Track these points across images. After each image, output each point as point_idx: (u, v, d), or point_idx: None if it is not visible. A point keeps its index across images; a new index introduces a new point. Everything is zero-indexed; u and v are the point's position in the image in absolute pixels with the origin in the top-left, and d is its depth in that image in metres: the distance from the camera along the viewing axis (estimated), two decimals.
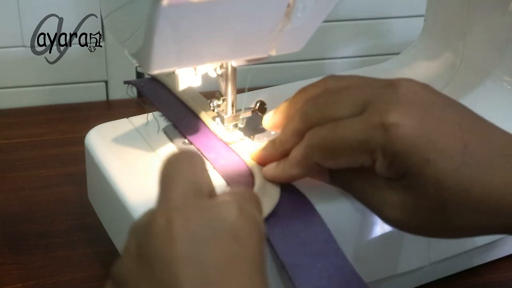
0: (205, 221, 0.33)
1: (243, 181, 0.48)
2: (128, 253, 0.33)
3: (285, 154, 0.47)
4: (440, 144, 0.40)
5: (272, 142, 0.48)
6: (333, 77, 0.47)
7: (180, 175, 0.36)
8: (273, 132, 0.55)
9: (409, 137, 0.40)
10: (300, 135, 0.45)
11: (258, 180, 0.47)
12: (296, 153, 0.45)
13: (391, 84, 0.42)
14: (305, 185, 0.48)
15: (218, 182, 0.49)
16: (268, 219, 0.44)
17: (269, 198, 0.46)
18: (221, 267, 0.32)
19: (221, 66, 0.51)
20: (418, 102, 0.41)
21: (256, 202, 0.37)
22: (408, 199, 0.41)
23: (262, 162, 0.49)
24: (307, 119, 0.45)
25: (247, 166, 0.50)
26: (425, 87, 0.43)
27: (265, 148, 0.49)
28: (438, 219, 0.40)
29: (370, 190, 0.43)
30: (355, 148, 0.41)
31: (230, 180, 0.49)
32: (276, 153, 0.47)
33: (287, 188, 0.47)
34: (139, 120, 0.57)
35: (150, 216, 0.33)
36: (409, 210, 0.41)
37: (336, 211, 0.47)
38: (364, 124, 0.41)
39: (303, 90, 0.48)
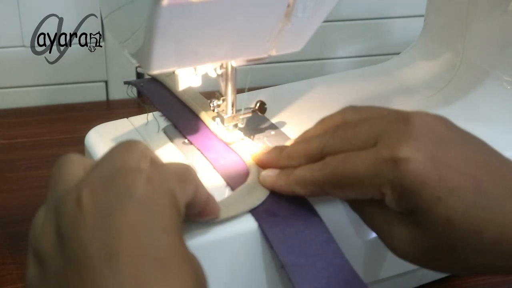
0: (112, 191, 0.34)
1: (243, 181, 0.48)
2: (47, 226, 0.35)
3: (286, 166, 0.46)
4: (451, 182, 0.38)
5: (279, 151, 0.47)
6: (351, 108, 0.46)
7: (110, 156, 0.36)
8: (273, 132, 0.56)
9: (419, 173, 0.38)
10: (310, 159, 0.45)
11: (250, 177, 0.48)
12: (306, 174, 0.44)
13: (405, 118, 0.41)
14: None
15: (218, 182, 0.49)
16: (268, 219, 0.45)
17: (256, 194, 0.46)
18: (126, 234, 0.32)
19: (221, 66, 0.51)
20: (431, 136, 0.40)
21: (177, 173, 0.37)
22: (418, 236, 0.40)
23: (262, 166, 0.48)
24: (323, 149, 0.44)
25: (246, 166, 0.50)
26: (440, 120, 0.42)
27: (269, 154, 0.48)
28: (448, 258, 0.40)
29: (381, 222, 0.42)
30: (364, 181, 0.41)
31: (230, 180, 0.49)
32: (279, 162, 0.47)
33: None
34: (139, 120, 0.57)
35: (67, 192, 0.34)
36: (419, 246, 0.40)
37: (336, 211, 0.47)
38: (374, 157, 0.40)
39: (322, 121, 0.47)
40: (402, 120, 0.41)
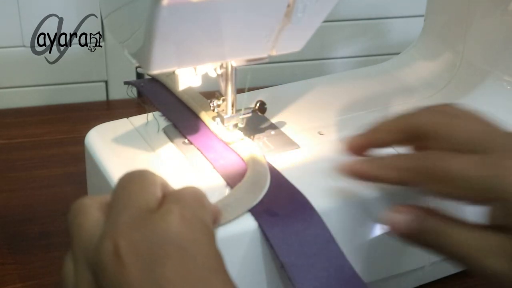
0: (151, 240, 0.33)
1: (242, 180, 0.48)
2: (82, 281, 0.34)
3: (374, 145, 0.45)
4: None
5: (366, 131, 0.46)
6: (452, 105, 0.45)
7: (129, 197, 0.36)
8: (273, 132, 0.56)
9: None
10: (403, 133, 0.44)
11: (248, 174, 0.48)
12: (399, 163, 0.43)
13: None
14: (305, 185, 0.48)
15: (218, 182, 0.49)
16: (268, 219, 0.45)
17: (255, 193, 0.46)
18: (177, 282, 0.32)
19: (221, 66, 0.51)
20: None
21: (199, 200, 0.37)
22: None
23: (353, 147, 0.47)
24: (421, 122, 0.43)
25: (246, 166, 0.50)
26: None
27: (356, 137, 0.46)
28: None
29: (469, 235, 0.40)
30: (470, 181, 0.39)
31: (230, 180, 0.49)
32: (367, 142, 0.46)
33: (286, 188, 0.47)
34: (139, 120, 0.57)
35: (99, 242, 0.34)
36: None
37: (336, 211, 0.47)
38: (487, 162, 0.39)
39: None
40: (505, 132, 0.41)
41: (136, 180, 0.37)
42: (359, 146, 0.47)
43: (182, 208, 0.35)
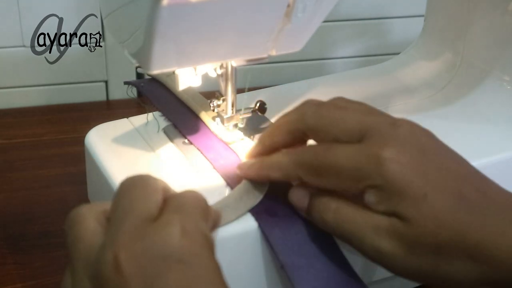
0: (152, 252, 0.33)
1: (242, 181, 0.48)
2: None
3: (271, 151, 0.46)
4: (435, 182, 0.39)
5: (262, 137, 0.48)
6: (342, 98, 0.46)
7: (130, 204, 0.36)
8: None
9: (405, 172, 0.39)
10: (291, 134, 0.45)
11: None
12: (281, 160, 0.44)
13: (395, 123, 0.42)
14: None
15: (218, 182, 0.49)
16: (268, 219, 0.45)
17: (254, 194, 0.46)
18: None
19: (221, 66, 0.51)
20: (416, 144, 0.41)
21: (201, 211, 0.37)
22: (405, 233, 0.39)
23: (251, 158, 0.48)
24: (305, 120, 0.44)
25: None
26: (427, 133, 0.43)
27: (254, 146, 0.48)
28: (433, 260, 0.39)
29: (360, 217, 0.41)
30: (344, 173, 0.41)
31: (230, 180, 0.49)
32: (263, 149, 0.47)
33: (286, 188, 0.47)
34: (139, 120, 0.57)
35: (100, 253, 0.34)
36: (405, 244, 0.40)
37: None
38: (358, 152, 0.41)
39: (305, 102, 0.47)
40: (392, 125, 0.42)
41: (137, 186, 0.37)
42: (252, 155, 0.48)
43: (183, 219, 0.35)
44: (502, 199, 0.41)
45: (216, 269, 0.35)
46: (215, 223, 0.41)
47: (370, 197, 0.40)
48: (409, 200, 0.39)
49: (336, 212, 0.42)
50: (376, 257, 0.41)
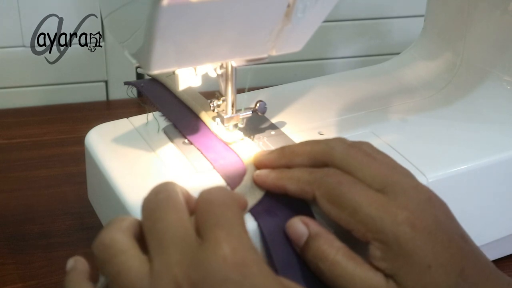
0: (211, 280, 0.34)
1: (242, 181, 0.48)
2: None
3: (286, 164, 0.46)
4: (442, 258, 0.40)
5: (282, 150, 0.47)
6: (370, 145, 0.46)
7: (167, 230, 0.36)
8: (273, 132, 0.56)
9: (417, 239, 0.40)
10: (313, 161, 0.45)
11: (247, 176, 0.48)
12: (303, 175, 0.44)
13: (417, 187, 0.43)
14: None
15: (218, 183, 0.49)
16: (267, 220, 0.44)
17: (255, 194, 0.46)
18: None
19: (221, 66, 0.51)
20: (433, 215, 0.41)
21: (237, 215, 0.37)
22: None
23: (264, 166, 0.48)
24: (333, 155, 0.44)
25: (245, 166, 0.50)
26: (443, 204, 0.43)
27: (271, 153, 0.48)
28: None
29: (358, 275, 0.40)
30: (360, 215, 0.41)
31: (230, 180, 0.49)
32: (281, 159, 0.47)
33: None
34: (139, 120, 0.57)
35: (156, 285, 0.34)
36: None
37: None
38: (381, 203, 0.41)
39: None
40: (413, 187, 0.42)
41: (165, 206, 0.37)
42: (266, 163, 0.48)
43: (228, 236, 0.35)
44: (498, 282, 0.41)
45: (270, 275, 0.35)
46: (244, 208, 0.43)
47: (375, 251, 0.40)
48: (412, 267, 0.39)
49: (334, 263, 0.41)
50: None
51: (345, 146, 0.45)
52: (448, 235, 0.41)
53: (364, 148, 0.45)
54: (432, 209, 0.42)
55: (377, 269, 0.40)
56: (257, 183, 0.47)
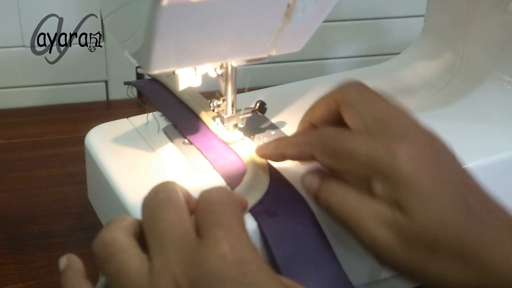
0: (210, 279, 0.34)
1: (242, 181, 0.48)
2: None
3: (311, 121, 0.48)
4: (444, 185, 0.40)
5: (279, 139, 0.49)
6: (379, 92, 0.47)
7: (167, 229, 0.36)
8: (273, 132, 0.56)
9: (416, 168, 0.40)
10: (328, 106, 0.47)
11: (247, 176, 0.48)
12: (299, 138, 0.46)
13: (417, 126, 0.43)
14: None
15: (218, 183, 0.49)
16: (267, 220, 0.45)
17: (255, 193, 0.46)
18: None
19: (221, 66, 0.51)
20: (433, 148, 0.42)
21: (236, 215, 0.37)
22: (406, 227, 0.40)
23: (264, 156, 0.50)
24: (344, 93, 0.46)
25: (245, 166, 0.50)
26: (445, 144, 0.44)
27: (270, 142, 0.49)
28: (425, 259, 0.40)
29: (363, 204, 0.42)
30: (358, 158, 0.42)
31: (230, 180, 0.49)
32: (278, 147, 0.48)
33: (286, 189, 0.47)
34: (139, 120, 0.57)
35: (156, 284, 0.34)
36: (402, 237, 0.40)
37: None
38: (377, 141, 0.42)
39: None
40: (413, 122, 0.43)
41: (165, 205, 0.37)
42: (266, 152, 0.49)
43: (227, 235, 0.35)
44: (502, 215, 0.41)
45: (269, 273, 0.35)
46: (244, 208, 0.43)
47: (377, 185, 0.41)
48: (415, 194, 0.40)
49: (342, 196, 0.43)
50: (370, 245, 0.42)
51: (358, 84, 0.47)
52: (450, 166, 0.42)
53: (376, 91, 0.46)
54: (433, 143, 0.42)
55: (381, 202, 0.41)
56: (258, 155, 0.49)
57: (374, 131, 0.43)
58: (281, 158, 0.48)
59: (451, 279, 0.40)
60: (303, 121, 0.49)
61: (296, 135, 0.48)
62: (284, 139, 0.48)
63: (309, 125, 0.48)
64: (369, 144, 0.42)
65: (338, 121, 0.46)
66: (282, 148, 0.47)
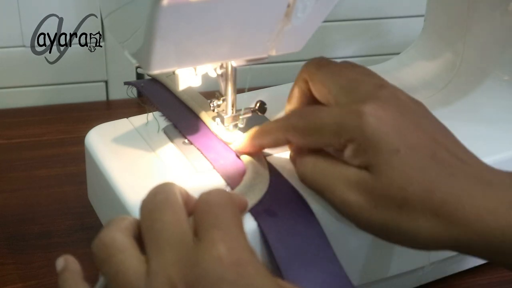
0: (207, 280, 0.34)
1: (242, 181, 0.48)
2: None
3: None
4: (410, 140, 0.41)
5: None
6: (348, 61, 0.49)
7: (164, 231, 0.36)
8: None
9: (382, 126, 0.41)
10: (300, 87, 0.49)
11: (247, 176, 0.48)
12: (270, 126, 0.47)
13: (382, 85, 0.44)
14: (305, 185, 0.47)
15: (218, 183, 0.49)
16: (266, 220, 0.45)
17: (255, 193, 0.46)
18: None
19: (221, 66, 0.51)
20: (397, 105, 0.43)
21: (234, 217, 0.37)
22: (374, 186, 0.41)
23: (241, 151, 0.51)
24: (308, 68, 0.49)
25: (245, 166, 0.50)
26: (412, 99, 0.45)
27: (249, 133, 0.50)
28: (398, 215, 0.40)
29: (333, 170, 0.43)
30: (327, 130, 0.43)
31: (230, 180, 0.49)
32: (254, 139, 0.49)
33: (286, 189, 0.47)
34: (139, 120, 0.57)
35: (152, 285, 0.34)
36: (372, 197, 0.41)
37: (336, 211, 0.47)
38: (342, 109, 0.43)
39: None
40: (378, 85, 0.44)
41: (163, 207, 0.38)
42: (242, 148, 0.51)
43: (224, 237, 0.35)
44: (475, 164, 0.42)
45: (267, 275, 0.35)
46: (243, 209, 0.43)
47: (348, 151, 0.42)
48: (381, 153, 0.40)
49: (314, 165, 0.45)
50: (344, 209, 0.43)
51: (320, 58, 0.49)
52: (417, 122, 0.42)
53: (331, 61, 0.48)
54: (397, 100, 0.43)
55: (352, 166, 0.42)
56: (238, 152, 0.50)
57: (340, 100, 0.44)
58: (260, 149, 0.49)
59: (426, 235, 0.40)
60: (285, 111, 0.50)
61: (267, 123, 0.48)
62: (256, 130, 0.49)
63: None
64: (335, 113, 0.43)
65: (315, 100, 0.47)
66: (258, 140, 0.48)
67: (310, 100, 0.48)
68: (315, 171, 0.45)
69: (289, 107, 0.50)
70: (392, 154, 0.40)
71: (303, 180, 0.46)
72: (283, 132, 0.46)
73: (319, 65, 0.47)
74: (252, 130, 0.49)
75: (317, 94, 0.47)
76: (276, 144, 0.48)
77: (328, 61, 0.48)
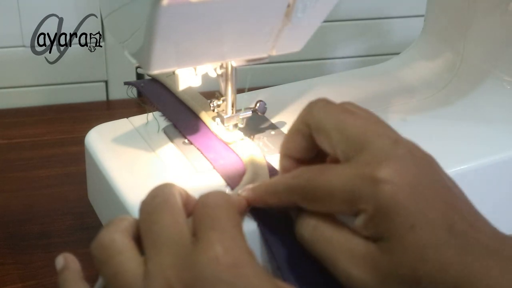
0: (203, 281, 0.34)
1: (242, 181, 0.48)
2: None
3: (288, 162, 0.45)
4: (428, 215, 0.37)
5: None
6: (353, 103, 0.43)
7: (162, 232, 0.36)
8: (273, 132, 0.56)
9: (398, 198, 0.37)
10: (301, 132, 0.43)
11: (247, 176, 0.48)
12: (278, 182, 0.42)
13: (396, 141, 0.40)
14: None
15: (218, 183, 0.49)
16: (266, 220, 0.44)
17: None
18: None
19: (221, 66, 0.51)
20: (414, 169, 0.38)
21: (232, 218, 0.37)
22: (382, 263, 0.37)
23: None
24: (312, 113, 0.42)
25: (245, 166, 0.50)
26: (427, 157, 0.40)
27: (254, 190, 0.45)
28: None
29: (337, 238, 0.39)
30: (338, 196, 0.39)
31: (230, 180, 0.49)
32: (281, 163, 0.45)
33: None
34: (139, 120, 0.57)
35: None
36: (381, 275, 0.37)
37: None
38: (354, 171, 0.38)
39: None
40: (393, 140, 0.40)
41: (161, 209, 0.37)
42: (285, 160, 0.45)
43: (221, 238, 0.35)
44: (492, 237, 0.39)
45: (264, 276, 0.35)
46: (242, 210, 0.43)
47: (359, 221, 0.38)
48: (395, 229, 0.37)
49: (314, 229, 0.40)
50: (347, 283, 0.39)
51: (324, 103, 0.42)
52: (433, 190, 0.38)
53: (344, 105, 0.42)
54: (414, 163, 0.39)
55: (362, 238, 0.39)
56: (248, 200, 0.45)
57: (349, 155, 0.40)
58: (266, 206, 0.44)
59: None
60: (281, 156, 0.45)
61: (273, 182, 0.43)
62: (262, 187, 0.44)
63: (289, 161, 0.44)
64: (347, 177, 0.38)
65: (317, 146, 0.43)
66: (264, 198, 0.43)
67: (311, 146, 0.43)
68: (315, 236, 0.40)
69: (285, 152, 0.44)
70: (407, 230, 0.37)
71: (302, 242, 0.41)
72: (289, 197, 0.41)
73: (322, 109, 0.42)
74: (257, 187, 0.44)
75: (321, 144, 0.42)
76: (283, 206, 0.43)
77: (329, 103, 0.42)
